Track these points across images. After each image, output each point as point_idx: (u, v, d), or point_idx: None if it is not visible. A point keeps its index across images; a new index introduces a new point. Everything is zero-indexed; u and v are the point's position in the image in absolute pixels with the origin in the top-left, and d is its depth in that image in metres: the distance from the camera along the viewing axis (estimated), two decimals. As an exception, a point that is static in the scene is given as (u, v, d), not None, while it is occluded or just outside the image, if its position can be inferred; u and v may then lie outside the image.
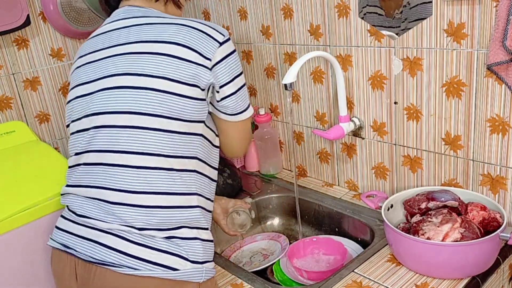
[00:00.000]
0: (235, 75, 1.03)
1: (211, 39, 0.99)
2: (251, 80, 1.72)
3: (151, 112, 0.95)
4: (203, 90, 0.99)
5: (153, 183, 0.95)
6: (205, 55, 0.97)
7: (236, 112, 1.07)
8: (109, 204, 0.96)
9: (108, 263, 0.94)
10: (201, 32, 0.99)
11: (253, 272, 1.24)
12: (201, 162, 1.02)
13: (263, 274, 1.32)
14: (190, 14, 1.85)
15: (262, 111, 1.64)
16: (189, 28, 0.99)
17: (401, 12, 1.18)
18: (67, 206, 1.05)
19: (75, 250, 0.99)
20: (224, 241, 1.50)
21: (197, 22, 1.01)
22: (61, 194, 1.08)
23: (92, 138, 0.99)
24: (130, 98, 0.96)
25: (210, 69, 0.98)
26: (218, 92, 1.02)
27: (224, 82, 1.01)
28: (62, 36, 1.63)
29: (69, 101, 1.08)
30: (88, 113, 1.01)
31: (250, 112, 1.10)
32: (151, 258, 0.93)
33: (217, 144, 1.10)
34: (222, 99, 1.03)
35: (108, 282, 0.94)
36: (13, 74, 1.55)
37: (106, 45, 1.03)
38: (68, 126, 1.09)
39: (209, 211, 1.06)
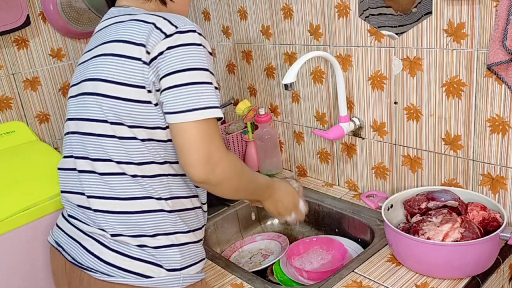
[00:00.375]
0: (183, 68, 0.86)
1: (157, 31, 0.87)
2: (251, 80, 1.72)
3: (105, 119, 0.91)
4: (150, 92, 0.88)
5: (118, 189, 0.93)
6: (147, 48, 0.87)
7: (177, 110, 0.86)
8: (85, 210, 0.97)
9: (86, 268, 0.95)
10: (149, 24, 0.88)
11: (253, 272, 1.24)
12: (174, 165, 0.96)
13: (263, 274, 1.32)
14: (190, 14, 1.85)
15: (262, 111, 1.64)
16: (140, 22, 0.90)
17: (416, 7, 1.17)
18: None
19: (63, 249, 1.01)
20: (224, 241, 1.50)
21: (154, 15, 0.91)
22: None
23: (67, 143, 1.02)
24: (89, 104, 0.94)
25: (149, 64, 0.87)
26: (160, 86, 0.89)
27: (164, 74, 0.87)
28: (62, 36, 1.63)
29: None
30: (68, 117, 1.02)
31: (202, 114, 0.86)
32: (124, 265, 0.92)
33: None
34: (161, 93, 0.88)
35: (84, 286, 0.95)
36: (13, 74, 1.55)
37: (88, 48, 1.02)
38: None
39: (190, 210, 0.99)
